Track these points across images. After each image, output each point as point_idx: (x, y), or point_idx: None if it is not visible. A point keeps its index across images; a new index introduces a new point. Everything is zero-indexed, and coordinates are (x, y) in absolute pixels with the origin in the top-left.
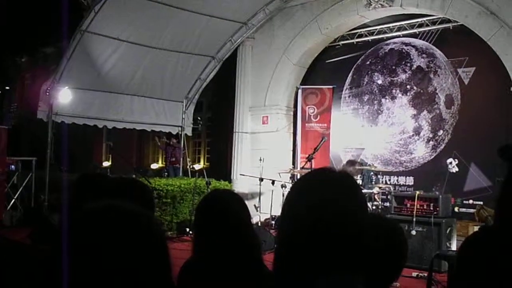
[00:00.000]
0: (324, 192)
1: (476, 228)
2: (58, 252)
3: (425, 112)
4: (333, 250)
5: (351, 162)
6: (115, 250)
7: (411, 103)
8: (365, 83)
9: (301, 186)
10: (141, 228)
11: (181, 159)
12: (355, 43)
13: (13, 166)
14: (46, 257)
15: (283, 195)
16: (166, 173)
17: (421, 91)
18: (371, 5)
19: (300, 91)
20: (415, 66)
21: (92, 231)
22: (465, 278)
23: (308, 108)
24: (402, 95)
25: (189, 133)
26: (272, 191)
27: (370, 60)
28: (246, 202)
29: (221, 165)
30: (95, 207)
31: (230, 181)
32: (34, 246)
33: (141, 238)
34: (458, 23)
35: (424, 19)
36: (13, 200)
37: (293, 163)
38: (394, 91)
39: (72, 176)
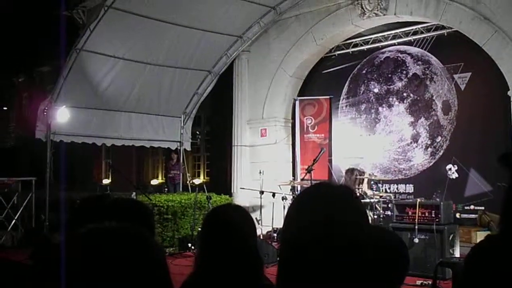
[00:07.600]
0: (324, 207)
1: (478, 234)
2: (57, 272)
3: (422, 119)
4: (335, 264)
5: (351, 171)
6: (114, 272)
7: (408, 110)
8: (361, 92)
9: (301, 201)
10: (141, 249)
11: (181, 174)
12: (350, 52)
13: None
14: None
15: (284, 208)
16: (166, 189)
17: (418, 98)
18: (365, 14)
19: (297, 103)
20: (411, 74)
21: (89, 253)
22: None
23: (306, 119)
24: (399, 103)
25: (188, 148)
26: (273, 203)
27: (366, 69)
28: None
29: (221, 179)
30: (90, 230)
31: (230, 195)
32: (35, 267)
33: (141, 259)
34: (453, 29)
35: (419, 26)
36: (13, 221)
37: (293, 175)
38: (391, 99)
39: (72, 195)
